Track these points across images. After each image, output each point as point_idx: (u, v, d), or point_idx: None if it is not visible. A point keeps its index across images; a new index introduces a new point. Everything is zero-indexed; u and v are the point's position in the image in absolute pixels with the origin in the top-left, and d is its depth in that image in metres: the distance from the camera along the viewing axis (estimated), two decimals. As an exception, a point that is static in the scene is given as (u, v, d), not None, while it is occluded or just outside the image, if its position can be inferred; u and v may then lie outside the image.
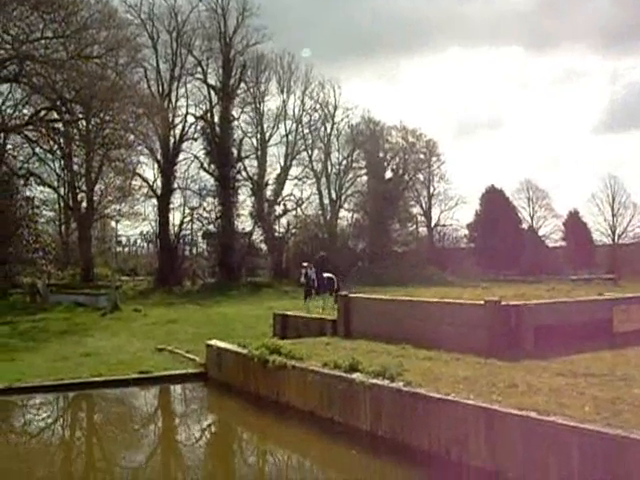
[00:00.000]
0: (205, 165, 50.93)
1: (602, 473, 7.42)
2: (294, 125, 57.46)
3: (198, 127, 50.80)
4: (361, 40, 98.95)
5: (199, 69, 50.77)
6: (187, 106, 50.58)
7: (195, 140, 50.95)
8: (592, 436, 7.49)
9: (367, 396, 10.87)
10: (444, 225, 73.97)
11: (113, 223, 54.11)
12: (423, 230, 72.33)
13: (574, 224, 72.32)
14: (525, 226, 74.77)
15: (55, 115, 37.27)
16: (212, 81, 51.23)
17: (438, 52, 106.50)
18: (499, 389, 9.64)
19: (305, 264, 23.22)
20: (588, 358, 11.92)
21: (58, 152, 42.18)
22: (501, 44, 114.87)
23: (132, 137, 40.26)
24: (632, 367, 11.02)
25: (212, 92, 51.08)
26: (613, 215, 74.12)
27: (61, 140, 39.83)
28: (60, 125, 37.83)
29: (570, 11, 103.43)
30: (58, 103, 35.45)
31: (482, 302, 13.39)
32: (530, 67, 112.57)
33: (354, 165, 61.01)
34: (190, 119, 50.47)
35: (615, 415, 7.99)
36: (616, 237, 74.18)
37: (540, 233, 77.65)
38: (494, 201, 68.69)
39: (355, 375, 11.30)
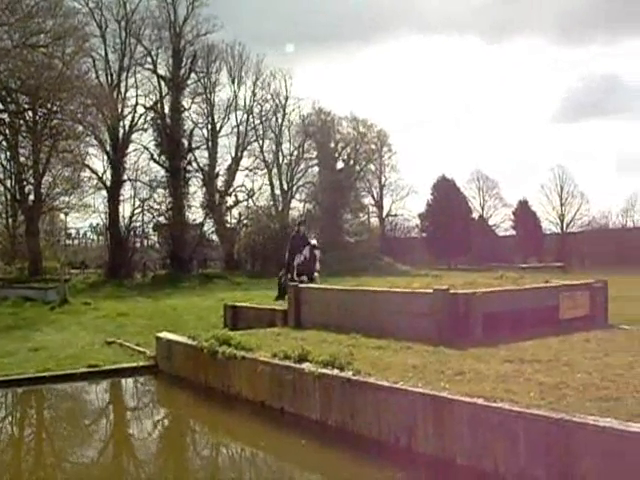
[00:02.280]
0: (155, 156, 50.41)
1: (547, 456, 7.54)
2: (245, 116, 57.31)
3: (148, 118, 50.19)
4: (315, 30, 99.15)
5: (149, 59, 50.16)
6: (137, 96, 49.79)
7: (145, 131, 50.42)
8: (537, 421, 7.61)
9: (317, 386, 10.88)
10: (395, 215, 74.78)
11: (62, 215, 53.45)
12: (375, 220, 72.89)
13: (523, 213, 73.67)
14: (475, 215, 75.73)
15: (0, 106, 36.48)
16: (162, 71, 50.65)
17: (393, 40, 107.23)
18: (447, 376, 9.72)
19: (314, 241, 20.81)
20: (535, 345, 12.09)
21: (4, 143, 41.26)
22: (458, 33, 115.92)
23: (81, 128, 39.59)
24: (577, 353, 11.22)
25: (162, 82, 50.50)
26: (561, 204, 75.73)
27: (7, 131, 39.02)
28: (5, 116, 37.07)
29: (525, 1, 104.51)
30: (3, 93, 34.73)
31: (431, 291, 13.49)
32: (486, 57, 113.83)
33: (305, 156, 61.02)
34: (140, 110, 49.76)
35: (559, 399, 8.14)
36: (564, 226, 75.78)
37: (490, 222, 78.92)
38: (445, 191, 69.35)
39: (305, 365, 11.29)
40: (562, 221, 75.94)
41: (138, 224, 51.55)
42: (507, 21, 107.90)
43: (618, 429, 6.94)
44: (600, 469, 7.06)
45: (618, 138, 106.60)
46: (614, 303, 16.58)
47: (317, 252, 19.98)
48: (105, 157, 47.95)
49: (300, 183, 60.70)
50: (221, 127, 55.40)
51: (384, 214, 74.09)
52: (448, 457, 8.65)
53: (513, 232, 76.18)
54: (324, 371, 10.83)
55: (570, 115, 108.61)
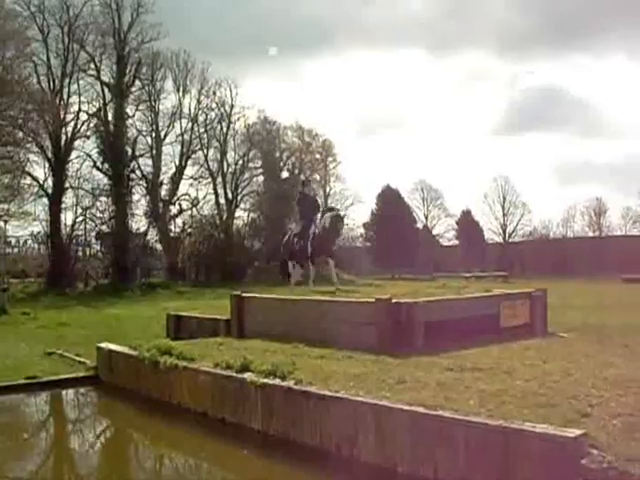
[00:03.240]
0: (98, 164, 49.67)
1: (485, 463, 7.62)
2: (190, 124, 56.71)
3: (91, 125, 49.46)
4: (261, 40, 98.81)
5: (92, 65, 49.40)
6: (79, 103, 49.00)
7: (88, 138, 49.61)
8: (476, 428, 7.69)
9: (258, 396, 10.84)
10: (340, 224, 74.73)
11: (1, 223, 52.28)
12: (320, 229, 72.82)
13: (467, 223, 74.76)
14: (420, 225, 76.51)
15: (-63, 111, 35.76)
16: (106, 78, 49.99)
17: (339, 54, 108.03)
18: (388, 385, 9.78)
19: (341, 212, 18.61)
20: (476, 353, 12.23)
21: (-59, 149, 40.39)
22: (403, 47, 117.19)
23: (21, 134, 38.97)
24: (516, 360, 11.39)
25: (106, 89, 49.86)
26: (504, 214, 77.12)
27: (-57, 137, 38.20)
28: (-58, 121, 36.35)
29: (470, 16, 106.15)
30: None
31: (373, 300, 13.54)
32: (432, 70, 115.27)
33: (250, 165, 60.55)
34: (83, 116, 49.04)
35: (498, 406, 8.25)
36: (507, 236, 77.03)
37: (434, 232, 79.75)
38: (390, 200, 69.98)
39: (246, 375, 11.24)
40: (504, 231, 77.33)
41: (80, 233, 50.79)
42: (452, 35, 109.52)
43: (553, 435, 7.06)
44: (538, 475, 7.15)
45: (559, 150, 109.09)
46: (553, 311, 16.89)
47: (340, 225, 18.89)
48: (46, 164, 47.14)
49: (245, 192, 60.32)
50: (165, 135, 55.01)
51: (329, 223, 74.24)
52: (390, 465, 8.67)
53: (457, 242, 77.24)
54: (266, 381, 10.79)
55: (513, 127, 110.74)
